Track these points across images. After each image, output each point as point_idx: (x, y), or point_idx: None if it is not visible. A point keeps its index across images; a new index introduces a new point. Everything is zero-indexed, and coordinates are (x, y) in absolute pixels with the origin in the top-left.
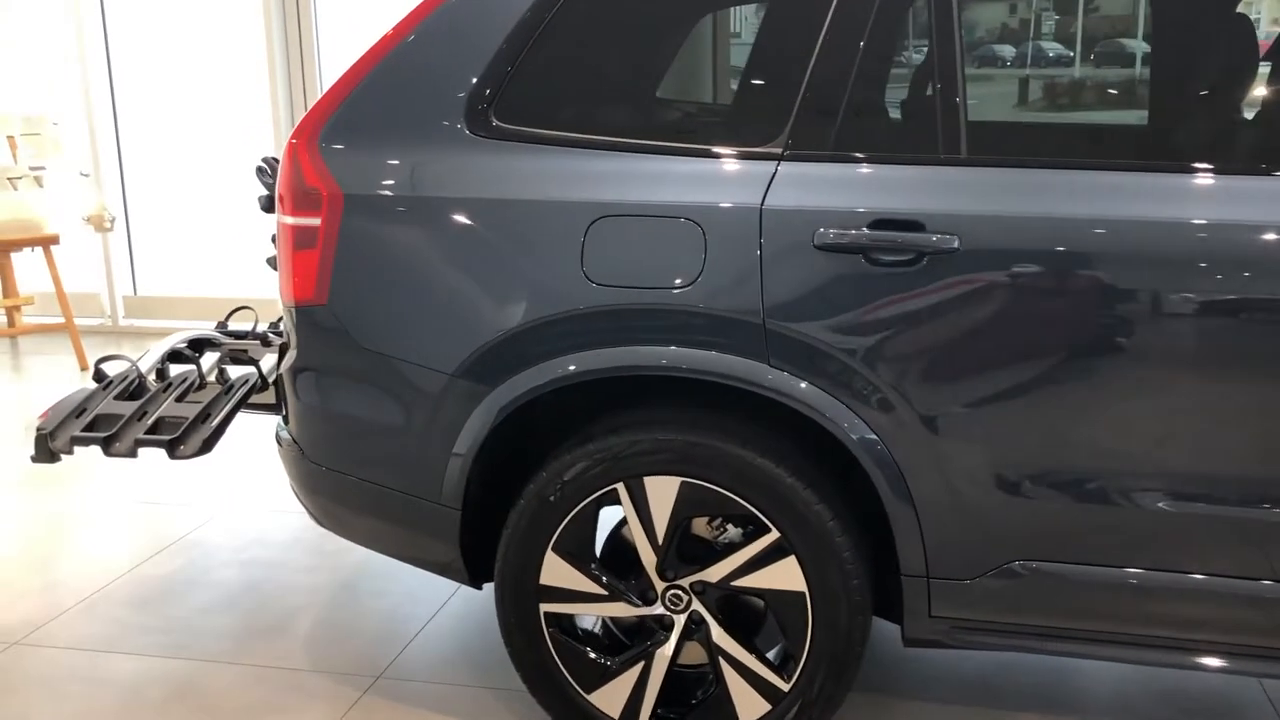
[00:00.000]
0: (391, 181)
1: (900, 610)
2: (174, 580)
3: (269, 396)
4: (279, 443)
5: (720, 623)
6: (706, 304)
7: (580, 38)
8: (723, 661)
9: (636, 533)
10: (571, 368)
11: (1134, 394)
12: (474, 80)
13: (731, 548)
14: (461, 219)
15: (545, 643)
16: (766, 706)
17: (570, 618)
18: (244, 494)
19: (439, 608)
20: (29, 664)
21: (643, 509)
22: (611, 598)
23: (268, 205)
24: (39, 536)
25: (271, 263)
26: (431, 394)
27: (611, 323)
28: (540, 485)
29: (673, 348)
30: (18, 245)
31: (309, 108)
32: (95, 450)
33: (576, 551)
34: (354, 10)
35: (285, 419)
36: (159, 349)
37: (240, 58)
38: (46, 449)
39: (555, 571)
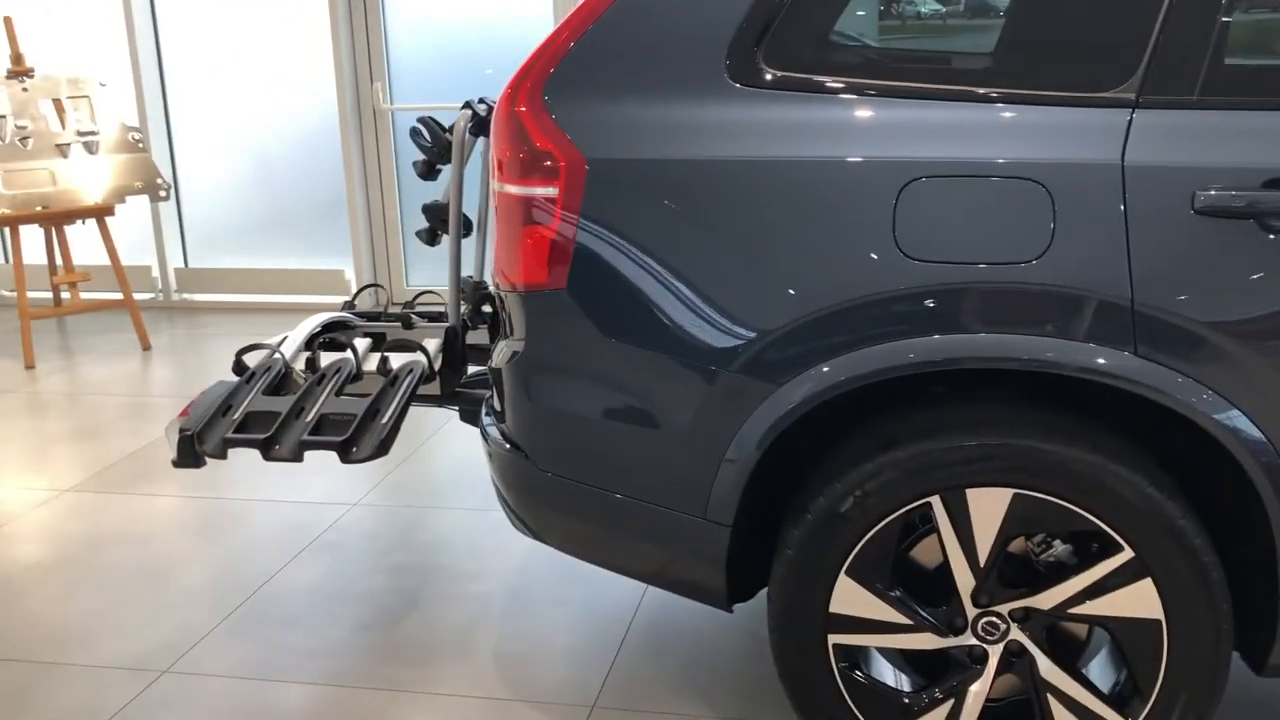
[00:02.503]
0: (643, 144)
1: (1261, 635)
2: (317, 592)
3: (434, 387)
4: (488, 443)
5: (1048, 654)
6: (1059, 281)
7: None
8: (1050, 698)
9: (952, 553)
10: (891, 360)
11: None
12: (739, 18)
13: (1065, 569)
14: (734, 185)
15: (833, 678)
16: None
17: (860, 649)
18: (358, 487)
19: (629, 621)
20: (189, 696)
21: (962, 526)
22: (916, 628)
23: (425, 171)
24: (146, 542)
25: (423, 236)
26: (699, 393)
27: (934, 305)
28: (832, 498)
29: (1011, 334)
30: (70, 217)
31: (373, 63)
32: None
33: (875, 575)
34: None
35: (500, 417)
36: (298, 335)
37: (296, 10)
38: (192, 451)
39: (849, 598)
